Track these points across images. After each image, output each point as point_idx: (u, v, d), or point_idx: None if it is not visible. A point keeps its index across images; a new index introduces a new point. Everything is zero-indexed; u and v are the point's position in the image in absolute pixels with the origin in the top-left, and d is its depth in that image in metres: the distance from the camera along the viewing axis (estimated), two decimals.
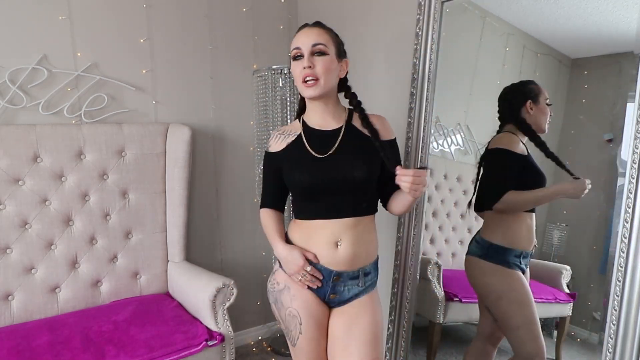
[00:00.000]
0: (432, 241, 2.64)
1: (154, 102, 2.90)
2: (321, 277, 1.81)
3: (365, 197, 1.85)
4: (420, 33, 2.44)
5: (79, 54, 2.63)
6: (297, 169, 1.82)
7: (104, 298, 2.63)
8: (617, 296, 1.75)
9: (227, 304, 2.41)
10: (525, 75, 2.20)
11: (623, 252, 1.73)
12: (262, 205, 2.02)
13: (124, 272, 2.69)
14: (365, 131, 1.85)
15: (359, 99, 1.91)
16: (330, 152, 1.81)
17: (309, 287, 1.84)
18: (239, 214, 3.34)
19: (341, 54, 1.84)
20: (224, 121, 3.19)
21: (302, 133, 1.88)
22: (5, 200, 2.37)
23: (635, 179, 1.71)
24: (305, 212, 1.86)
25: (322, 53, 1.75)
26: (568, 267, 2.20)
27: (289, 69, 2.98)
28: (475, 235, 2.36)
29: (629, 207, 1.72)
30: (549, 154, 2.09)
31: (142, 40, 2.83)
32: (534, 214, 2.18)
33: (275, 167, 1.92)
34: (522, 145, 2.16)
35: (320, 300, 1.86)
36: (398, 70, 2.66)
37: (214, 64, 3.12)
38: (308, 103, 1.89)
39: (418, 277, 2.58)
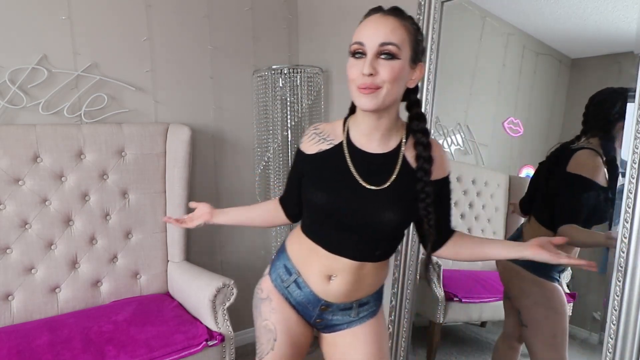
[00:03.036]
0: None
1: (154, 102, 2.90)
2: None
3: (383, 244, 1.54)
4: None
5: (79, 54, 2.63)
6: (321, 188, 1.50)
7: (104, 298, 2.62)
8: (617, 296, 1.74)
9: (227, 304, 2.41)
10: (525, 75, 2.20)
11: (623, 252, 1.72)
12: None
13: (124, 272, 2.68)
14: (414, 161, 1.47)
15: (427, 124, 1.51)
16: (382, 186, 1.45)
17: (293, 306, 1.66)
18: None
19: (417, 56, 1.39)
20: (224, 121, 3.19)
21: (345, 147, 1.50)
22: (5, 200, 2.37)
23: (635, 179, 1.69)
24: (310, 230, 1.60)
25: (391, 56, 1.31)
26: (568, 268, 2.16)
27: (289, 69, 3.00)
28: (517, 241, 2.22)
29: (629, 207, 1.71)
30: (613, 193, 1.89)
31: (142, 40, 2.82)
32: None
33: (299, 169, 1.63)
34: (604, 170, 1.94)
35: (303, 320, 1.68)
36: None
37: (214, 64, 3.11)
38: (357, 109, 1.48)
39: (418, 277, 2.56)
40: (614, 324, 1.76)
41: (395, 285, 2.61)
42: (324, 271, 1.55)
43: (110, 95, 2.74)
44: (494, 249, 1.53)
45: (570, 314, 2.18)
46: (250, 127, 3.30)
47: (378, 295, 1.67)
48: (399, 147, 1.49)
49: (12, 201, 2.38)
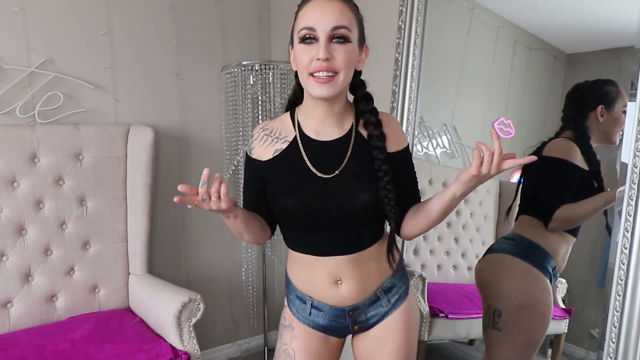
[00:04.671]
0: (415, 252, 2.59)
1: (114, 101, 2.80)
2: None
3: (369, 227, 1.53)
4: (403, 26, 2.40)
5: (32, 49, 2.53)
6: (288, 192, 1.48)
7: (60, 314, 2.53)
8: (617, 312, 1.70)
9: (194, 320, 2.35)
10: (517, 72, 2.23)
11: (623, 264, 1.68)
12: None
13: (81, 286, 2.59)
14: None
15: (374, 103, 1.52)
16: (337, 172, 1.45)
17: (322, 331, 1.63)
18: (207, 223, 3.26)
19: (363, 38, 1.44)
20: (190, 122, 3.12)
21: (299, 140, 1.50)
22: None
23: (636, 184, 1.66)
24: (294, 243, 1.59)
25: (344, 40, 1.34)
26: (563, 280, 2.17)
27: (261, 65, 2.92)
28: (504, 236, 2.26)
29: (630, 215, 1.68)
30: (599, 180, 1.98)
31: (101, 34, 2.72)
32: (574, 239, 2.08)
33: (259, 179, 1.56)
34: (581, 156, 2.00)
35: (332, 338, 1.66)
36: (379, 66, 2.56)
37: (180, 60, 3.03)
38: (307, 98, 1.48)
39: None
40: (613, 342, 1.71)
41: None
42: (328, 279, 1.54)
43: (67, 94, 2.65)
44: (437, 198, 1.48)
45: (566, 331, 2.20)
46: (218, 128, 3.23)
47: (399, 274, 1.63)
48: (352, 128, 1.51)
49: None
